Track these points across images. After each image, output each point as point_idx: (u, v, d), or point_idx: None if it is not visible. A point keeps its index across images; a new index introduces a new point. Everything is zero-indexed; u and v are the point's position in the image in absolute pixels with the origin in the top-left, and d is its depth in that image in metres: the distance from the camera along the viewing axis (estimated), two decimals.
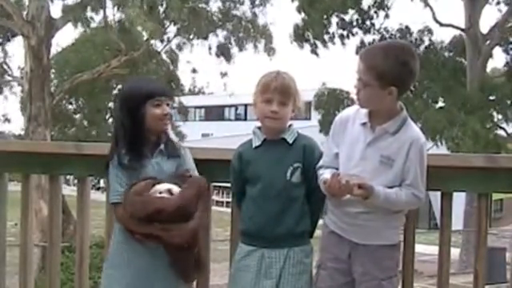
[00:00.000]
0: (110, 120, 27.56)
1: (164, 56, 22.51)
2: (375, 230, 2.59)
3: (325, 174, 2.60)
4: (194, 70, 21.78)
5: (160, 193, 2.68)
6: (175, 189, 2.70)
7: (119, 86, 26.22)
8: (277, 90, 2.65)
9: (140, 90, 2.79)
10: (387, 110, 2.58)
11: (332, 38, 20.71)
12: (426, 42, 21.10)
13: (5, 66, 21.21)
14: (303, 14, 20.55)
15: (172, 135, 2.91)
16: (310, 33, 20.74)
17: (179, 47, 21.39)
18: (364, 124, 2.61)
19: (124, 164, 2.75)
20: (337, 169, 2.61)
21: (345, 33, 20.70)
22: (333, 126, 2.73)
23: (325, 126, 20.44)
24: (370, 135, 2.59)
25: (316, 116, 22.46)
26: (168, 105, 2.80)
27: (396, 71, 2.51)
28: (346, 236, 2.64)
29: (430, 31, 20.98)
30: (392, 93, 2.52)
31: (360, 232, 2.60)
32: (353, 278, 2.64)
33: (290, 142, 2.71)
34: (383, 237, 2.61)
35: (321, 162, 2.69)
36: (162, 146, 2.80)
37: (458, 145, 17.77)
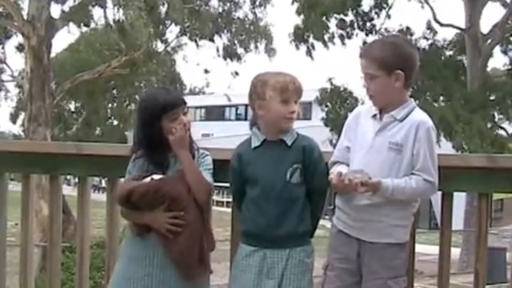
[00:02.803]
0: (109, 120, 27.63)
1: (168, 56, 22.55)
2: (382, 227, 2.59)
3: (332, 174, 2.61)
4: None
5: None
6: (155, 177, 2.73)
7: (118, 87, 26.31)
8: (295, 91, 2.68)
9: (155, 104, 2.78)
10: (397, 101, 2.61)
11: (331, 39, 20.74)
12: (428, 42, 21.11)
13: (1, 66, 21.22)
14: (302, 16, 20.58)
15: (193, 139, 2.87)
16: (308, 34, 20.78)
17: (178, 48, 21.43)
18: (374, 116, 2.65)
19: (142, 170, 2.79)
20: (347, 164, 2.64)
21: (344, 33, 20.72)
22: (346, 122, 2.76)
23: (329, 121, 20.57)
24: (378, 124, 2.62)
25: (316, 116, 22.50)
26: (185, 113, 2.80)
27: (396, 54, 2.57)
28: (353, 234, 2.64)
29: (432, 30, 20.98)
30: (399, 78, 2.56)
31: (367, 229, 2.60)
32: (361, 277, 2.64)
33: (289, 143, 2.71)
34: (390, 235, 2.60)
35: (332, 158, 2.72)
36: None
37: (466, 143, 17.78)
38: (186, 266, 2.71)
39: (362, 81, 2.67)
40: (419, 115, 2.61)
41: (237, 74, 21.09)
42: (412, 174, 2.56)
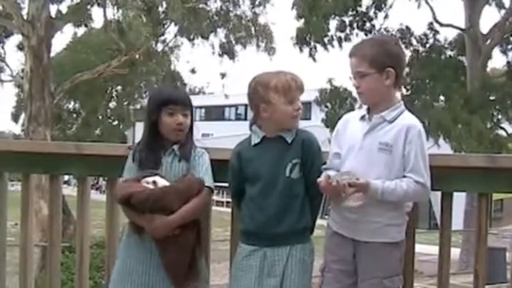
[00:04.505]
0: (109, 120, 27.63)
1: (167, 56, 22.50)
2: (376, 227, 2.59)
3: (320, 177, 2.61)
4: (192, 71, 21.69)
5: (147, 183, 2.71)
6: (160, 182, 2.71)
7: (119, 87, 26.33)
8: (298, 89, 2.70)
9: (158, 96, 2.88)
10: (386, 101, 2.62)
11: (331, 41, 20.75)
12: (428, 42, 21.10)
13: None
14: (303, 19, 20.60)
15: (194, 139, 2.88)
16: (311, 37, 20.80)
17: (177, 48, 21.41)
18: (363, 117, 2.66)
19: (137, 160, 2.83)
20: (338, 170, 2.63)
21: (343, 35, 20.73)
22: (335, 129, 2.77)
23: (329, 122, 20.61)
24: (367, 125, 2.63)
25: (316, 116, 22.50)
26: (186, 115, 2.80)
27: (386, 52, 2.60)
28: (348, 235, 2.65)
29: (432, 30, 20.98)
30: (390, 75, 2.58)
31: (361, 229, 2.61)
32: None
33: (289, 141, 2.72)
34: (384, 234, 2.61)
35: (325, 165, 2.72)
36: (175, 147, 2.82)
37: (460, 144, 17.80)
38: (175, 274, 2.72)
39: (352, 81, 2.70)
40: (409, 118, 2.62)
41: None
42: (403, 176, 2.56)
